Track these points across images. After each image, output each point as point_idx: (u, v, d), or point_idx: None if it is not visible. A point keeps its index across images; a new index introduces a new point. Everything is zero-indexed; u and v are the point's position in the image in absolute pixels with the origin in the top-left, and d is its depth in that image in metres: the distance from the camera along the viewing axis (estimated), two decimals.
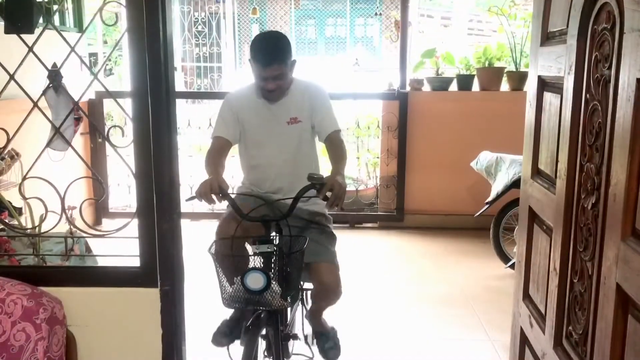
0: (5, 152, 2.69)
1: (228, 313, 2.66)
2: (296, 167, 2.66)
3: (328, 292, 2.60)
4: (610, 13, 1.44)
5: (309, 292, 2.73)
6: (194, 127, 5.93)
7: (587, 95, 1.60)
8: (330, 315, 2.81)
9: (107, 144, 5.13)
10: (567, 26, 1.74)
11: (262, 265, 2.15)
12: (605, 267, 1.45)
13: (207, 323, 2.71)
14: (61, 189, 2.06)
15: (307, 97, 2.66)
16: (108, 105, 5.51)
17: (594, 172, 1.54)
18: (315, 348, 2.78)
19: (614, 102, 1.40)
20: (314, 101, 2.66)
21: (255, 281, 2.07)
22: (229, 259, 2.25)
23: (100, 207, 5.42)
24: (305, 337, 2.81)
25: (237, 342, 2.48)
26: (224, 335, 2.62)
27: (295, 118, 2.63)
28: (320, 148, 2.83)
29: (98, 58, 9.41)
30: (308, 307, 2.82)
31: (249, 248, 2.25)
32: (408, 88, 5.33)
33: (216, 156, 2.58)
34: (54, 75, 2.08)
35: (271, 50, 2.51)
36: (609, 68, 1.44)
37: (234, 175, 4.29)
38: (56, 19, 4.90)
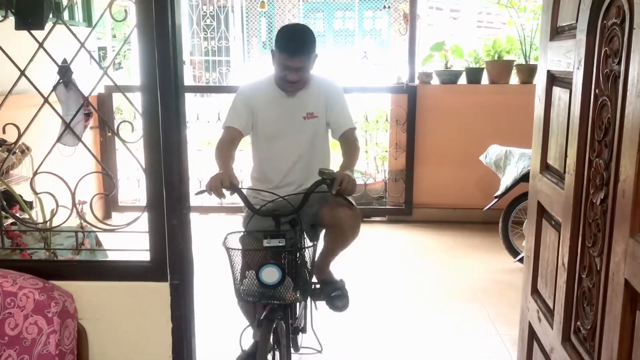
0: (16, 146, 2.71)
1: (244, 321, 2.58)
2: (309, 161, 2.67)
3: (344, 230, 2.52)
4: (620, 8, 1.44)
5: (316, 286, 2.73)
6: (202, 121, 5.96)
7: (597, 90, 1.60)
8: (335, 314, 2.79)
9: (116, 138, 5.16)
10: (577, 21, 1.73)
11: (273, 260, 2.16)
12: (614, 263, 1.44)
13: (217, 317, 2.72)
14: (70, 183, 2.08)
15: (323, 93, 2.67)
16: (117, 99, 5.52)
17: (603, 167, 1.53)
18: (321, 344, 2.74)
19: (623, 97, 1.40)
20: (330, 98, 2.67)
21: (270, 275, 2.09)
22: (243, 253, 2.26)
23: (109, 201, 5.45)
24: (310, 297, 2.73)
25: (245, 331, 2.46)
26: None
27: (312, 113, 2.65)
28: (331, 142, 2.85)
29: (107, 52, 9.44)
30: (316, 304, 2.80)
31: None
32: (417, 81, 5.32)
33: (227, 147, 2.59)
34: (65, 71, 2.10)
35: (299, 41, 2.55)
36: (619, 63, 1.43)
37: (242, 169, 4.32)
38: (65, 13, 4.92)
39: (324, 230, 2.63)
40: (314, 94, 2.68)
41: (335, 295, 2.69)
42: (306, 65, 2.53)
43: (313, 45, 2.56)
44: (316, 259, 2.58)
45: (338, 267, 2.80)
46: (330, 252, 2.67)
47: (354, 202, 2.50)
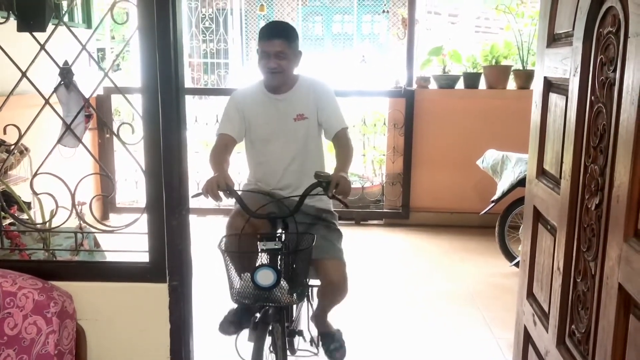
0: (15, 147, 2.72)
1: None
2: (303, 163, 2.68)
3: (334, 289, 2.61)
4: (616, 17, 1.46)
5: (314, 290, 2.75)
6: (201, 123, 5.96)
7: (592, 97, 1.62)
8: (336, 312, 2.83)
9: (114, 139, 5.17)
10: (573, 28, 1.75)
11: (268, 262, 2.17)
12: (608, 267, 1.46)
13: (215, 318, 2.73)
14: (69, 184, 2.09)
15: (312, 94, 2.68)
16: (116, 101, 5.53)
17: (598, 173, 1.55)
18: (321, 350, 2.79)
19: (618, 104, 1.42)
20: (320, 99, 2.68)
21: (265, 277, 2.10)
22: (238, 255, 2.28)
23: (107, 202, 5.45)
24: (311, 340, 2.83)
25: (242, 334, 2.49)
26: (231, 324, 2.64)
27: (302, 114, 2.66)
28: (327, 144, 2.86)
29: (106, 53, 9.43)
30: (314, 304, 2.83)
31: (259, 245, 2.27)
32: (415, 85, 5.34)
33: (221, 153, 2.60)
34: (66, 73, 2.11)
35: (275, 26, 2.68)
36: (614, 71, 1.45)
37: (240, 171, 4.33)
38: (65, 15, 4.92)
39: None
40: (303, 95, 2.68)
41: (334, 348, 2.79)
42: (286, 52, 2.56)
43: (291, 33, 2.60)
44: (313, 314, 2.82)
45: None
46: (324, 307, 2.77)
47: (348, 205, 2.52)
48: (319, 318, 2.81)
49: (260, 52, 2.58)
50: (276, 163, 2.71)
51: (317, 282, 2.65)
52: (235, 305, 2.67)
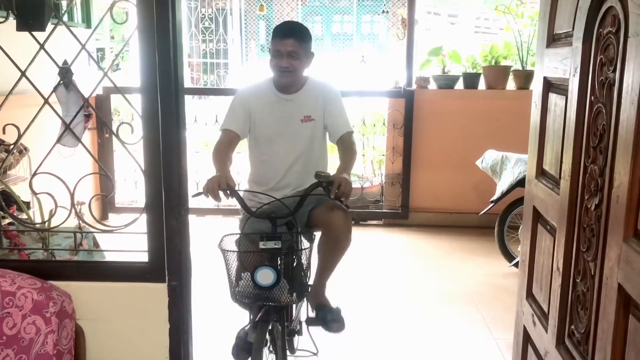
0: (15, 146, 2.71)
1: (241, 322, 2.57)
2: (306, 164, 2.69)
3: (337, 236, 2.53)
4: (616, 17, 1.46)
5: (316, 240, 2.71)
6: (200, 123, 5.96)
7: (592, 97, 1.62)
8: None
9: (114, 139, 5.16)
10: (573, 28, 1.75)
11: (269, 262, 2.17)
12: (608, 268, 1.46)
13: (214, 318, 2.73)
14: (68, 184, 2.09)
15: (320, 97, 2.70)
16: (115, 100, 5.53)
17: (598, 173, 1.55)
18: (320, 349, 2.75)
19: (618, 104, 1.42)
20: (328, 101, 2.70)
21: (265, 277, 2.10)
22: (238, 255, 2.28)
23: (106, 202, 5.44)
24: (305, 322, 2.74)
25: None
26: (243, 349, 2.45)
27: (309, 116, 2.67)
28: (329, 146, 2.86)
29: (105, 53, 9.42)
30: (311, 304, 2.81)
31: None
32: (414, 86, 5.34)
33: (224, 150, 2.60)
34: (65, 72, 2.11)
35: (289, 26, 2.69)
36: (614, 71, 1.45)
37: (240, 171, 4.33)
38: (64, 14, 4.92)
39: (317, 241, 2.63)
40: (311, 97, 2.69)
41: (331, 319, 2.66)
42: (298, 52, 2.57)
43: (305, 34, 2.62)
44: (311, 279, 2.60)
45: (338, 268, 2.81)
46: (325, 266, 2.66)
47: (349, 206, 2.51)
48: (318, 285, 2.71)
49: (273, 51, 2.59)
50: (279, 162, 2.71)
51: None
52: (244, 326, 2.52)
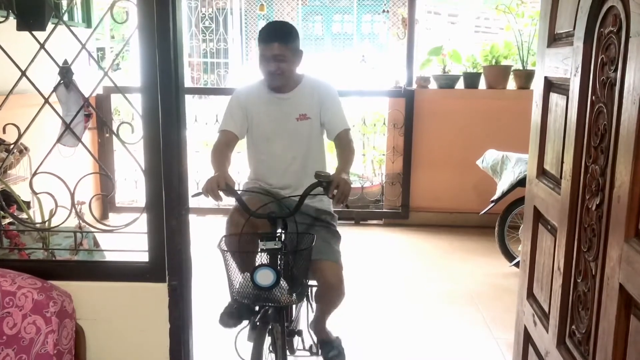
0: (15, 146, 2.72)
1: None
2: (305, 163, 2.68)
3: (330, 291, 2.60)
4: (617, 17, 1.45)
5: (314, 289, 2.75)
6: (200, 123, 5.96)
7: (593, 97, 1.61)
8: (336, 312, 2.82)
9: (114, 138, 5.16)
10: (574, 28, 1.75)
11: (268, 262, 2.17)
12: (609, 268, 1.46)
13: (214, 318, 2.73)
14: (68, 184, 2.08)
15: (316, 94, 2.68)
16: (115, 100, 5.53)
17: (599, 173, 1.55)
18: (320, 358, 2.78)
19: (619, 104, 1.42)
20: (324, 99, 2.68)
21: (265, 277, 2.09)
22: (238, 255, 2.27)
23: (107, 202, 5.45)
24: (310, 348, 2.82)
25: (242, 335, 2.47)
26: (231, 316, 2.60)
27: (305, 114, 2.66)
28: (327, 144, 2.85)
29: (105, 53, 9.42)
30: (313, 305, 2.82)
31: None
32: (414, 85, 5.34)
33: (223, 150, 2.60)
34: (65, 72, 2.11)
35: (274, 29, 2.61)
36: (615, 71, 1.45)
37: (240, 171, 4.33)
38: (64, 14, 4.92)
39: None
40: (307, 95, 2.68)
41: (332, 355, 2.76)
42: (285, 55, 2.54)
43: (290, 35, 2.58)
44: (312, 320, 2.79)
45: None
46: (323, 310, 2.75)
47: (349, 206, 2.51)
48: (318, 324, 2.80)
49: (260, 55, 2.57)
50: (277, 162, 2.70)
51: (316, 282, 2.65)
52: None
